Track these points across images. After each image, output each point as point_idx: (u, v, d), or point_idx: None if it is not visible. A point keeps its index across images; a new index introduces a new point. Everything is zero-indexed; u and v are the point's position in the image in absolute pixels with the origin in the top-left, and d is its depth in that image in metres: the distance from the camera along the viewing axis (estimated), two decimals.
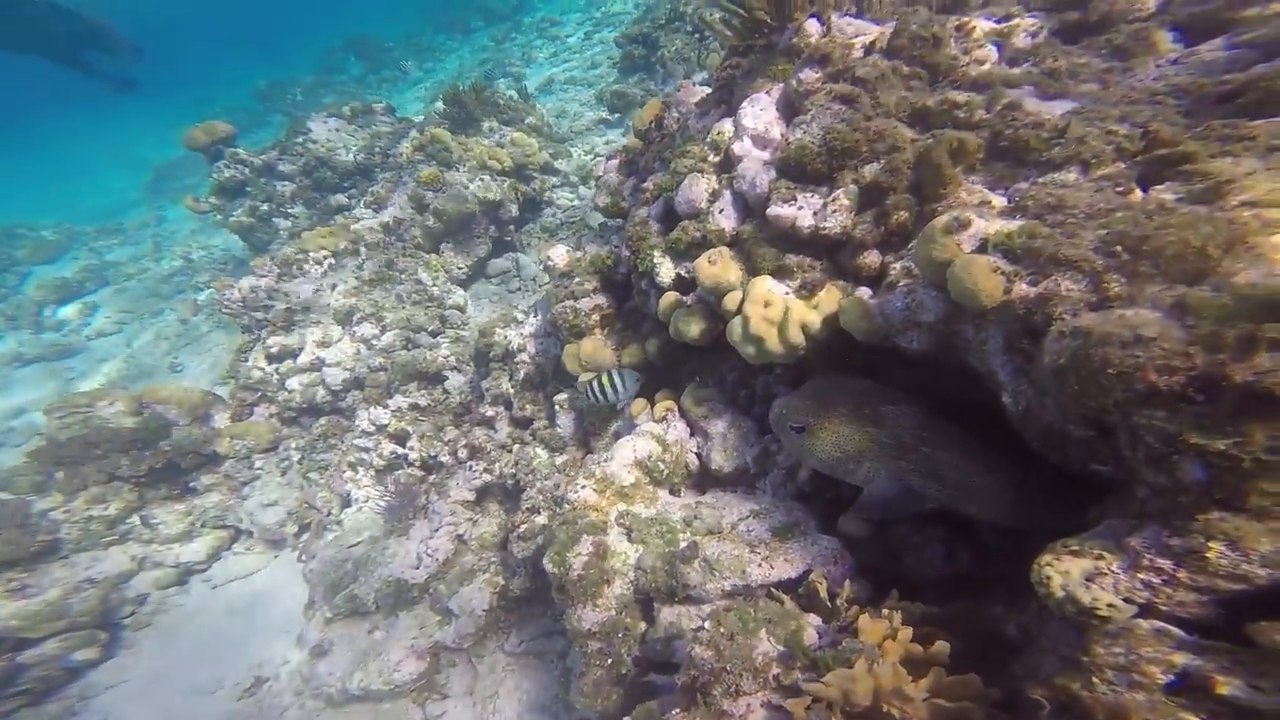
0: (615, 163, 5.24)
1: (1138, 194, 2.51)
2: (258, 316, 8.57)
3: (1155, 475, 1.89)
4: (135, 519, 6.88)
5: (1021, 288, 2.32)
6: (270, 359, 8.24)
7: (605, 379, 4.08)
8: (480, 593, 4.52)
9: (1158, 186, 2.49)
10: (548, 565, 3.43)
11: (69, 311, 14.00)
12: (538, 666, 4.73)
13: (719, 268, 3.58)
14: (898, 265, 3.12)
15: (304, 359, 8.01)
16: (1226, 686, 1.65)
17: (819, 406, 3.07)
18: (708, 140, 4.14)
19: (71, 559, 6.35)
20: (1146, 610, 1.89)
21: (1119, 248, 2.15)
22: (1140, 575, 1.89)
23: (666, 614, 3.54)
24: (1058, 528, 2.24)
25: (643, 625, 3.63)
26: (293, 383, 7.96)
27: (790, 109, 3.76)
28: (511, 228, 10.31)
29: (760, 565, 3.35)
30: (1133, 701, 1.73)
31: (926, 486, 2.90)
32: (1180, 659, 1.75)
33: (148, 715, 5.47)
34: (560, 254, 5.23)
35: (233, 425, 7.67)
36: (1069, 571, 1.98)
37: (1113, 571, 1.94)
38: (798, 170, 3.43)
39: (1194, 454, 1.73)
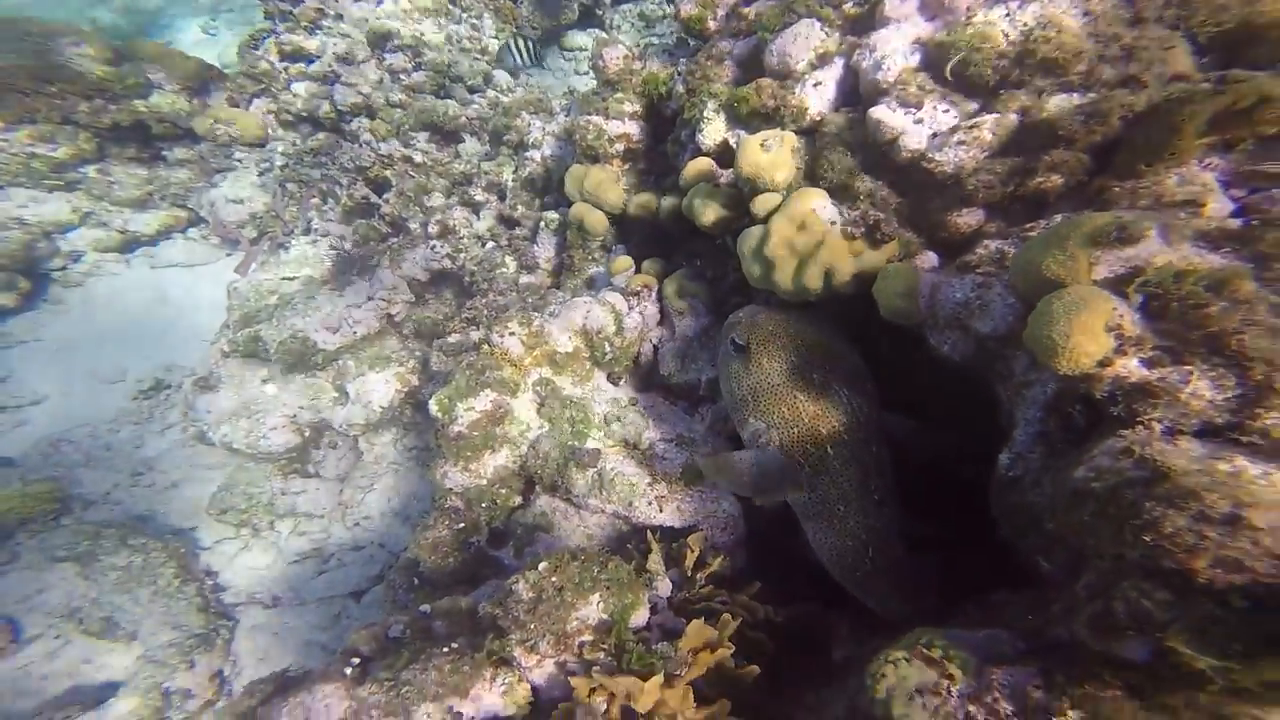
0: None
1: None
2: (283, 7, 7.58)
3: (1093, 636, 1.45)
4: (91, 171, 6.60)
5: (1129, 364, 1.61)
6: (282, 55, 7.44)
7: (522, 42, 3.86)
8: (386, 385, 4.35)
9: None
10: (432, 407, 3.12)
11: None
12: (423, 475, 4.72)
13: (770, 158, 2.74)
14: (993, 244, 2.32)
15: (317, 68, 7.21)
16: None
17: (780, 338, 2.59)
18: None
19: (7, 192, 6.16)
20: None
21: None
22: (973, 706, 1.54)
23: (544, 502, 3.35)
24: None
25: (517, 500, 3.43)
26: (299, 88, 7.25)
27: None
28: (608, 1, 8.88)
29: (650, 504, 3.05)
30: None
31: (798, 486, 2.53)
32: None
33: (47, 386, 5.66)
34: (615, 56, 4.22)
35: (220, 108, 7.09)
36: (906, 678, 1.67)
37: (950, 693, 1.60)
38: (956, 67, 2.43)
39: (1156, 645, 1.27)
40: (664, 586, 2.88)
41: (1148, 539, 1.34)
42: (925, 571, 2.48)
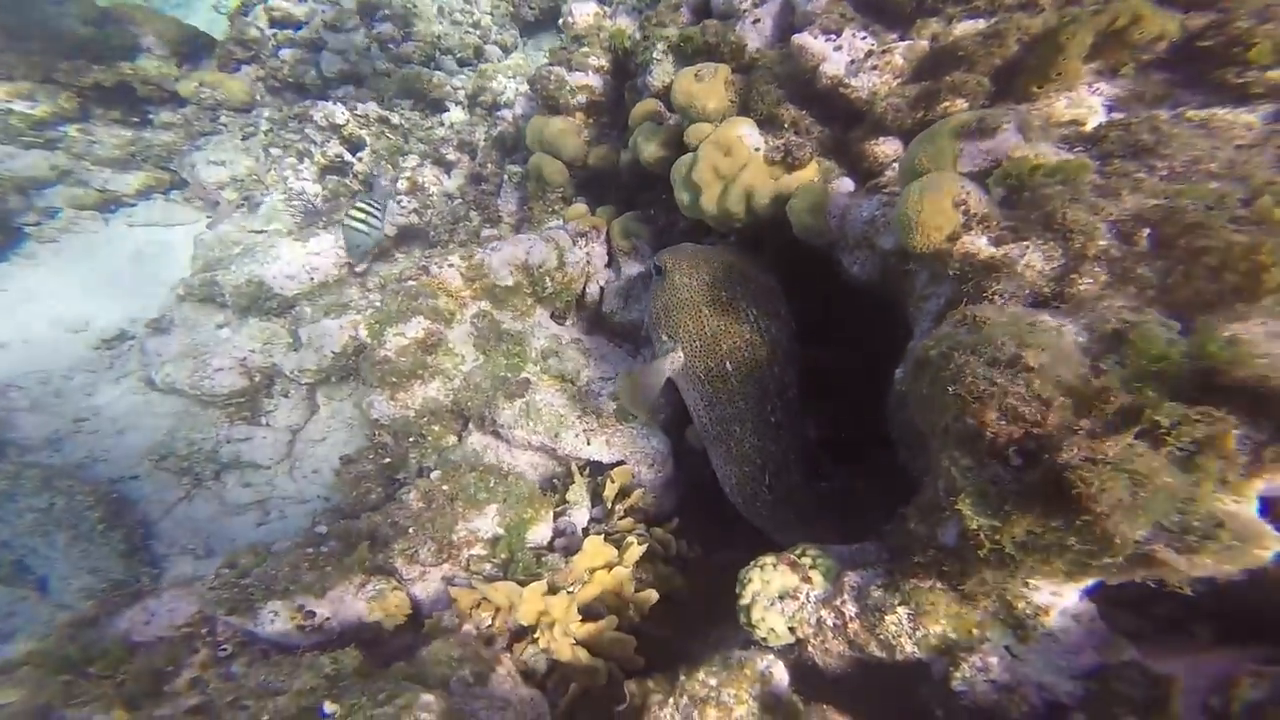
0: None
1: None
2: None
3: (919, 522, 1.60)
4: (72, 130, 7.07)
5: (974, 241, 1.79)
6: (272, 22, 7.94)
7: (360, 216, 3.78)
8: (340, 332, 4.57)
9: None
10: (361, 330, 3.33)
11: None
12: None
13: (702, 87, 2.98)
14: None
15: (305, 34, 7.69)
16: None
17: (695, 260, 2.84)
18: None
19: None
20: (798, 645, 1.73)
21: (1146, 231, 1.59)
22: (824, 611, 1.70)
23: (475, 439, 3.52)
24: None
25: (451, 439, 3.62)
26: (286, 54, 7.73)
27: None
28: None
29: (577, 436, 3.22)
30: None
31: (699, 403, 2.76)
32: (740, 711, 1.59)
33: (8, 334, 6.01)
34: (585, 12, 4.53)
35: (206, 73, 7.59)
36: (770, 583, 1.83)
37: (807, 598, 1.75)
38: None
39: (958, 518, 1.42)
40: (580, 516, 3.04)
41: (952, 390, 1.50)
42: (829, 502, 2.61)
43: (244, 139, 7.71)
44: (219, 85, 7.71)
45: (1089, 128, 2.12)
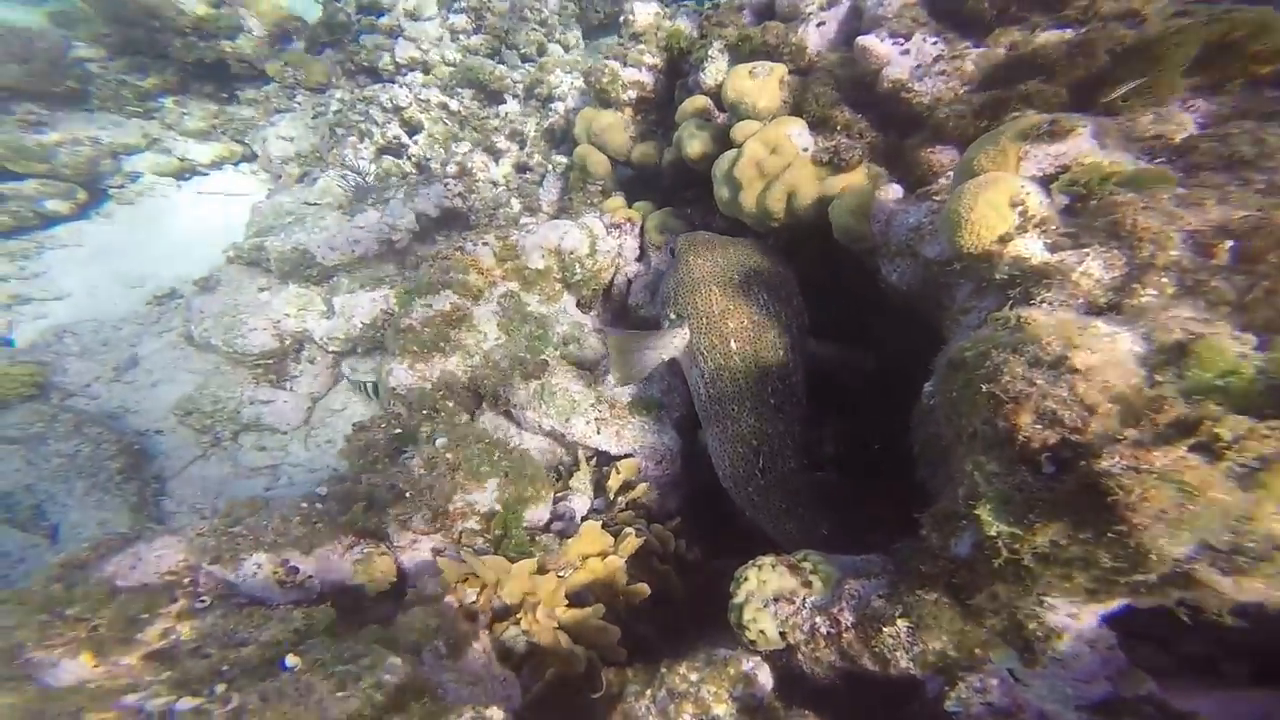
0: None
1: None
2: None
3: (933, 531, 1.47)
4: (169, 101, 7.51)
5: (1027, 245, 1.66)
6: (359, 8, 8.32)
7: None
8: (372, 305, 4.64)
9: None
10: (390, 298, 3.35)
11: None
12: None
13: (755, 84, 2.93)
14: None
15: (386, 21, 8.02)
16: None
17: (712, 244, 2.87)
18: None
19: (95, 115, 7.12)
20: (788, 651, 1.60)
21: (1228, 244, 1.45)
22: (820, 617, 1.57)
23: (488, 418, 3.50)
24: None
25: (464, 417, 3.59)
26: (366, 40, 8.07)
27: None
28: None
29: (588, 423, 3.16)
30: None
31: (699, 381, 2.70)
32: (719, 709, 1.46)
33: (73, 284, 6.39)
34: (646, 12, 4.56)
35: (291, 54, 7.99)
36: (766, 583, 1.73)
37: (803, 603, 1.63)
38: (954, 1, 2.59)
39: (975, 528, 1.29)
40: (580, 503, 2.95)
41: (985, 389, 1.38)
42: (822, 492, 2.51)
43: (314, 117, 8.04)
44: (301, 65, 8.10)
45: (1178, 141, 1.97)
